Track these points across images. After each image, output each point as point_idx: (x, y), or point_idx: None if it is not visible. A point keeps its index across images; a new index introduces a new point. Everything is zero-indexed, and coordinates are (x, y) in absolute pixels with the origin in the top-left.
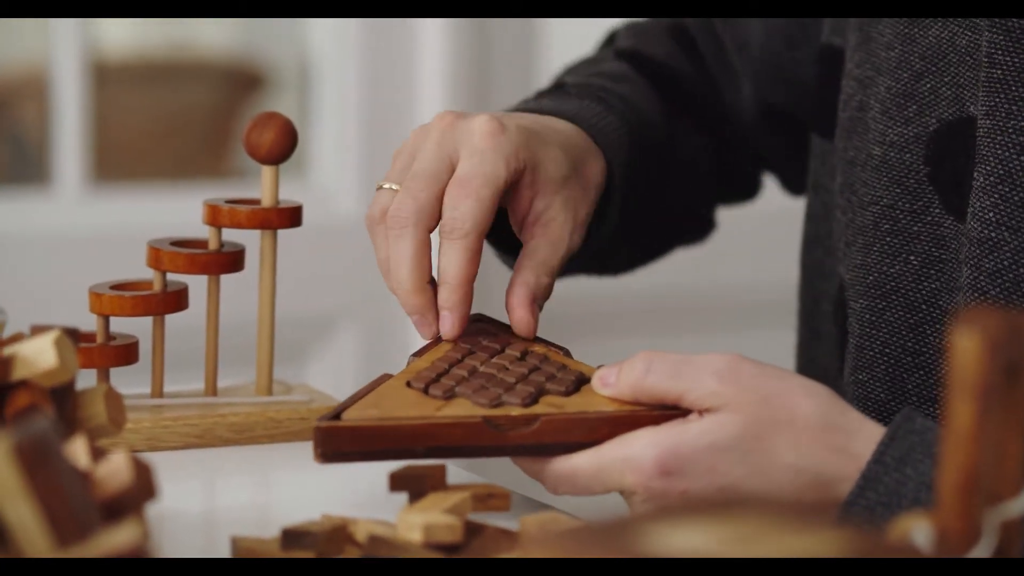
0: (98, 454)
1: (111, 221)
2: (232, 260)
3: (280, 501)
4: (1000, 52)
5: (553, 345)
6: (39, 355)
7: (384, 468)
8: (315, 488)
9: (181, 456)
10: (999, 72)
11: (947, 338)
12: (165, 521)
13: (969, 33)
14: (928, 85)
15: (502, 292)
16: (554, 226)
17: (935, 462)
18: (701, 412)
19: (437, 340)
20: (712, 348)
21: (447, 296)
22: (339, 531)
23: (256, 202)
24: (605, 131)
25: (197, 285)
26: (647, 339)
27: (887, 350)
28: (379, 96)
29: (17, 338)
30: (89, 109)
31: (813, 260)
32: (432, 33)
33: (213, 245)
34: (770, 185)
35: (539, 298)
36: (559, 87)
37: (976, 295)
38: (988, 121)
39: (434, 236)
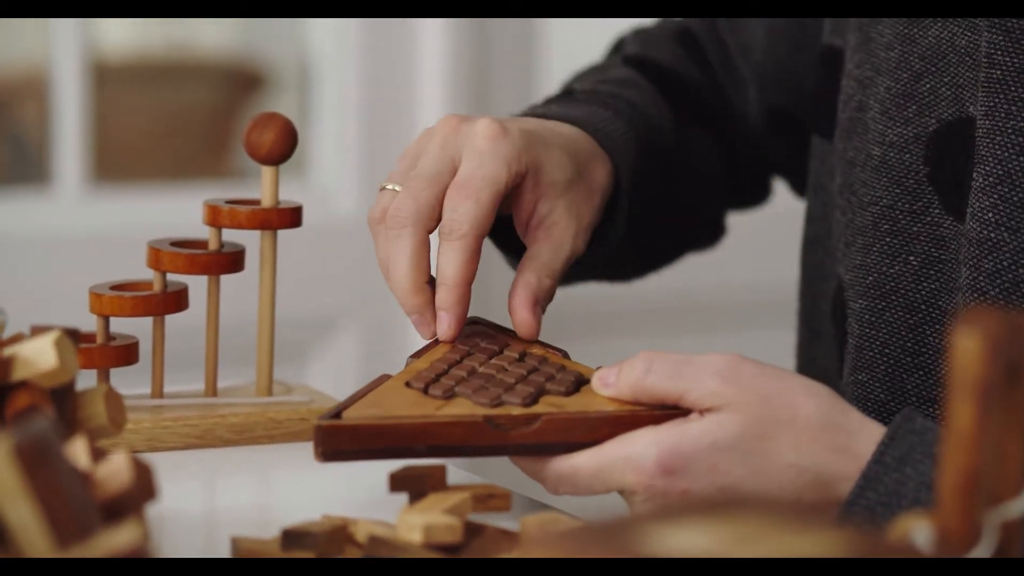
0: (98, 455)
1: (111, 221)
2: (232, 260)
3: (280, 501)
4: (999, 52)
5: (551, 347)
6: (39, 356)
7: (384, 468)
8: (315, 488)
9: (181, 457)
10: (998, 72)
11: (947, 338)
12: (165, 522)
13: (968, 34)
14: (928, 85)
15: (502, 294)
16: (556, 229)
17: (935, 462)
18: (702, 412)
19: (435, 342)
20: (712, 348)
21: (444, 297)
22: (339, 531)
23: (256, 202)
24: (612, 135)
25: (197, 285)
26: (647, 339)
27: (887, 350)
28: (379, 96)
29: (17, 338)
30: (89, 109)
31: (813, 260)
32: (432, 33)
33: (213, 245)
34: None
35: (541, 300)
36: (567, 93)
37: (975, 296)
38: (987, 121)
39: (434, 237)
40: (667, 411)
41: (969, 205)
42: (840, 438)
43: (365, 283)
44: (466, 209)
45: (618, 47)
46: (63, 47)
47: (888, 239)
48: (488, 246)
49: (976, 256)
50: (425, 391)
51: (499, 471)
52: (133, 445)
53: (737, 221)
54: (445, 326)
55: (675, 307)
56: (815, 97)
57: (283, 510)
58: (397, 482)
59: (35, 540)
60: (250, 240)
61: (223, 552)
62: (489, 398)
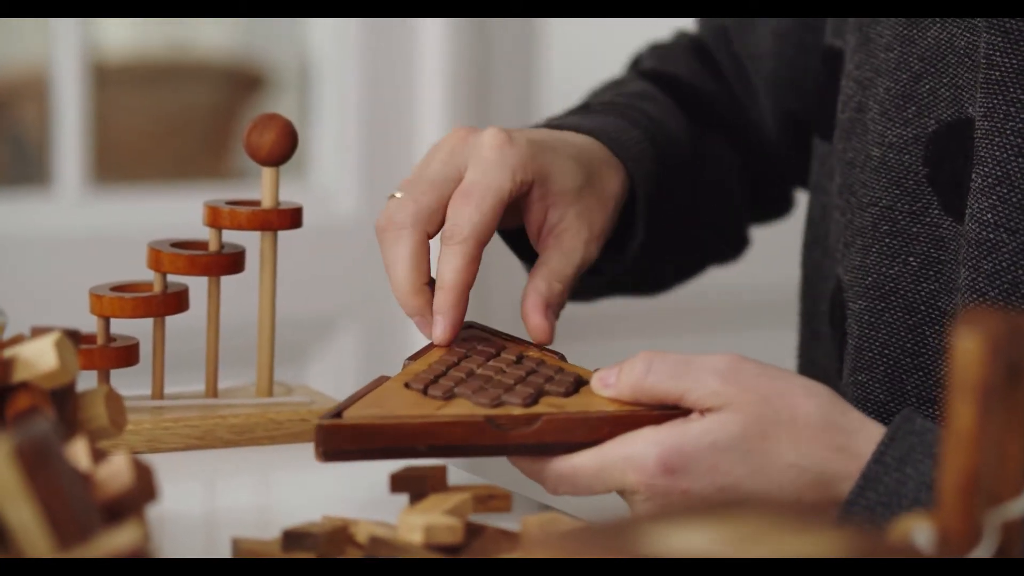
0: (99, 456)
1: (111, 222)
2: (232, 261)
3: (281, 502)
4: (998, 53)
5: (548, 350)
6: (40, 357)
7: (385, 469)
8: (316, 489)
9: (182, 457)
10: (997, 74)
11: (947, 339)
12: (166, 522)
13: (967, 35)
14: (927, 86)
15: (502, 300)
16: (567, 236)
17: (935, 462)
18: (702, 412)
19: (432, 344)
20: (712, 348)
21: (441, 300)
22: (340, 532)
23: (256, 203)
24: (626, 144)
25: (197, 286)
26: (647, 339)
27: (886, 351)
28: (379, 96)
29: (17, 340)
30: (89, 110)
31: (813, 261)
32: (432, 33)
33: (213, 246)
34: None
35: (553, 305)
36: (583, 107)
37: (974, 296)
38: (986, 122)
39: (436, 243)
40: (667, 411)
41: (968, 206)
42: (840, 438)
43: (365, 283)
44: (468, 215)
45: (635, 63)
46: (63, 47)
47: (887, 240)
48: (492, 254)
49: (975, 257)
50: (425, 392)
51: (499, 472)
52: (133, 446)
53: None
54: (439, 330)
55: (675, 307)
56: (815, 98)
57: (284, 511)
58: (398, 483)
59: (36, 541)
60: (250, 241)
61: (224, 553)
62: (489, 398)
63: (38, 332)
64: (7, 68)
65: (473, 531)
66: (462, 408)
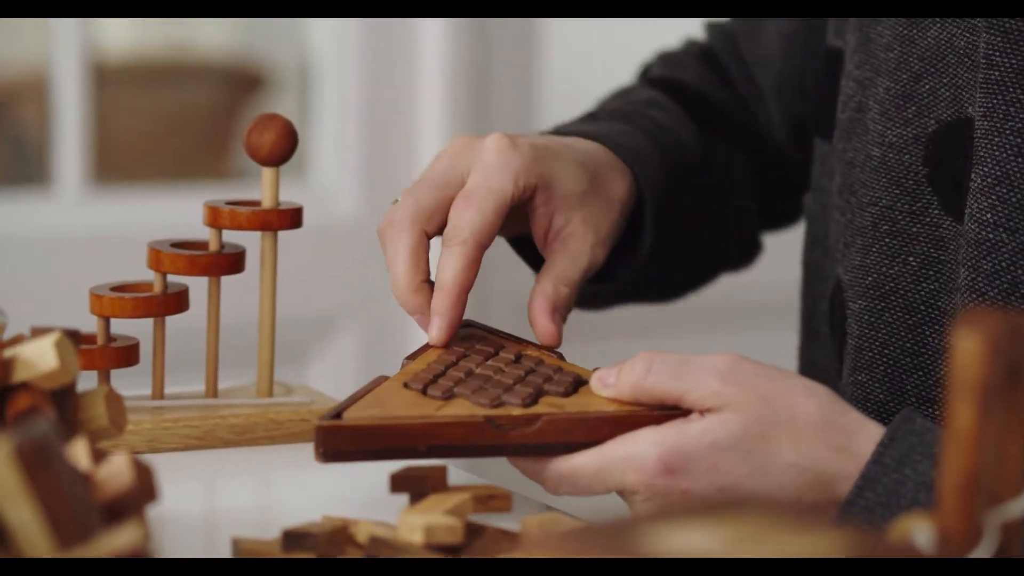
0: (99, 456)
1: (111, 222)
2: (232, 261)
3: (281, 502)
4: (998, 54)
5: (546, 349)
6: (40, 357)
7: (385, 469)
8: (316, 489)
9: (182, 458)
10: (996, 74)
11: (947, 339)
12: (166, 523)
13: (967, 35)
14: (927, 86)
15: (502, 299)
16: (572, 240)
17: (934, 463)
18: (702, 412)
19: (429, 344)
20: (712, 348)
21: (438, 300)
22: (340, 532)
23: (256, 203)
24: (633, 149)
25: (198, 286)
26: (647, 339)
27: (886, 351)
28: (379, 96)
29: (17, 340)
30: (89, 110)
31: (812, 261)
32: (432, 33)
33: (213, 247)
34: None
35: (560, 308)
36: (590, 115)
37: (974, 296)
38: (986, 122)
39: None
40: (667, 411)
41: (968, 206)
42: (840, 438)
43: (365, 283)
44: (469, 217)
45: (644, 71)
46: (63, 47)
47: (887, 240)
48: (493, 255)
49: (975, 257)
50: (424, 392)
51: (499, 472)
52: (134, 446)
53: None
54: (436, 330)
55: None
56: (815, 98)
57: (284, 511)
58: (398, 483)
59: (36, 541)
60: (250, 241)
61: (224, 553)
62: (489, 398)
63: (38, 332)
64: (7, 68)
65: (473, 531)
66: (462, 408)
